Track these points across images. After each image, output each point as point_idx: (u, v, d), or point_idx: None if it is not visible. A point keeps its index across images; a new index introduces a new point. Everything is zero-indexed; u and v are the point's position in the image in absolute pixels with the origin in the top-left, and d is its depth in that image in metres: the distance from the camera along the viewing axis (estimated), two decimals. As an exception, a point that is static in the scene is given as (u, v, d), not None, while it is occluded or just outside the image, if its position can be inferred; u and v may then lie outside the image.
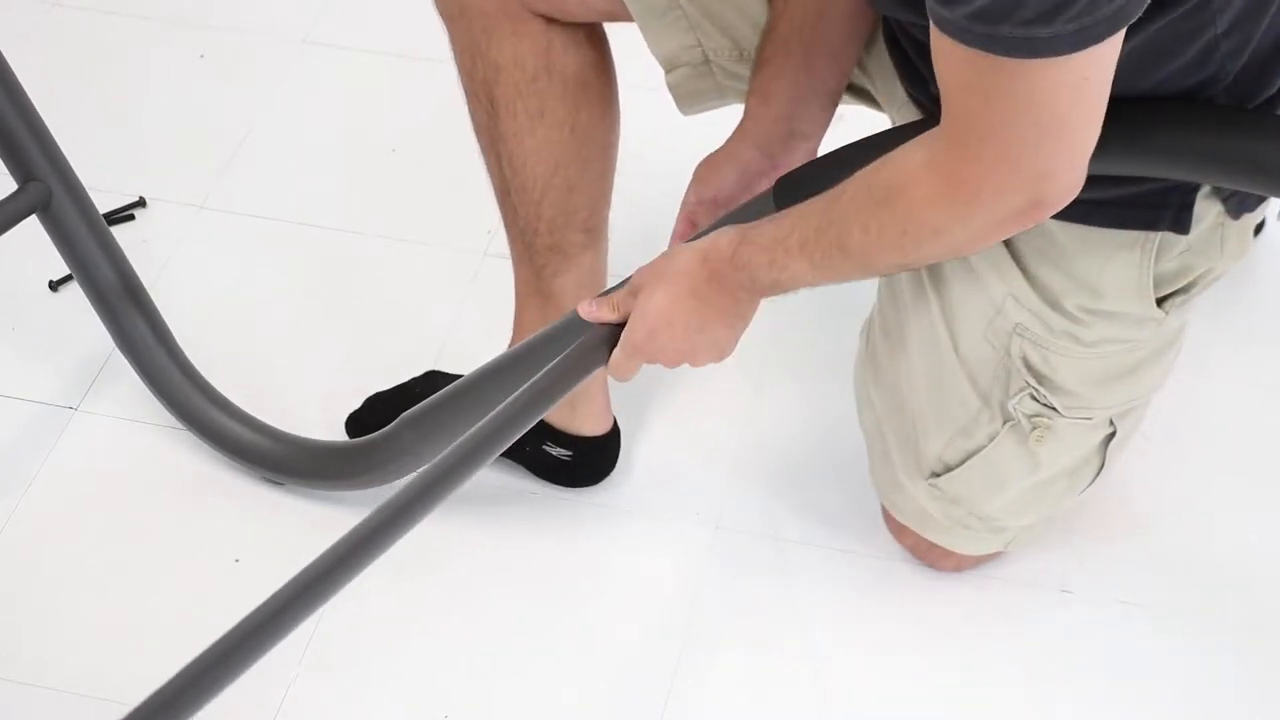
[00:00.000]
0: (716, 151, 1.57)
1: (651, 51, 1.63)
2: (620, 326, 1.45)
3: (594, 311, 1.46)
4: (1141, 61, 1.27)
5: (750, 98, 1.56)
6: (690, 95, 1.64)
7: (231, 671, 1.21)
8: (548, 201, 1.63)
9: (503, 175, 1.65)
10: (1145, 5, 1.14)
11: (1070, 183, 1.24)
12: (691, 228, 1.55)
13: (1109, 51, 1.15)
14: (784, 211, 1.39)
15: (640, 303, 1.43)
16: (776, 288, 1.39)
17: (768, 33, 1.56)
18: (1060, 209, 1.26)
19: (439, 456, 1.34)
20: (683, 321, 1.42)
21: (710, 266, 1.40)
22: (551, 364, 1.42)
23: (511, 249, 1.71)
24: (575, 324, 1.52)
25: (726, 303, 1.41)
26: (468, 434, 1.35)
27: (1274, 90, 1.36)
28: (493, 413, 1.37)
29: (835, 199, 1.33)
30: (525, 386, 1.39)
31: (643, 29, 1.60)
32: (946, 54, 1.19)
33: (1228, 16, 1.28)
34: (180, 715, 1.18)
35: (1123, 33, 1.15)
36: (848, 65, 1.56)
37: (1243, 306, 1.97)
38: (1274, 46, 1.33)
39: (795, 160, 1.53)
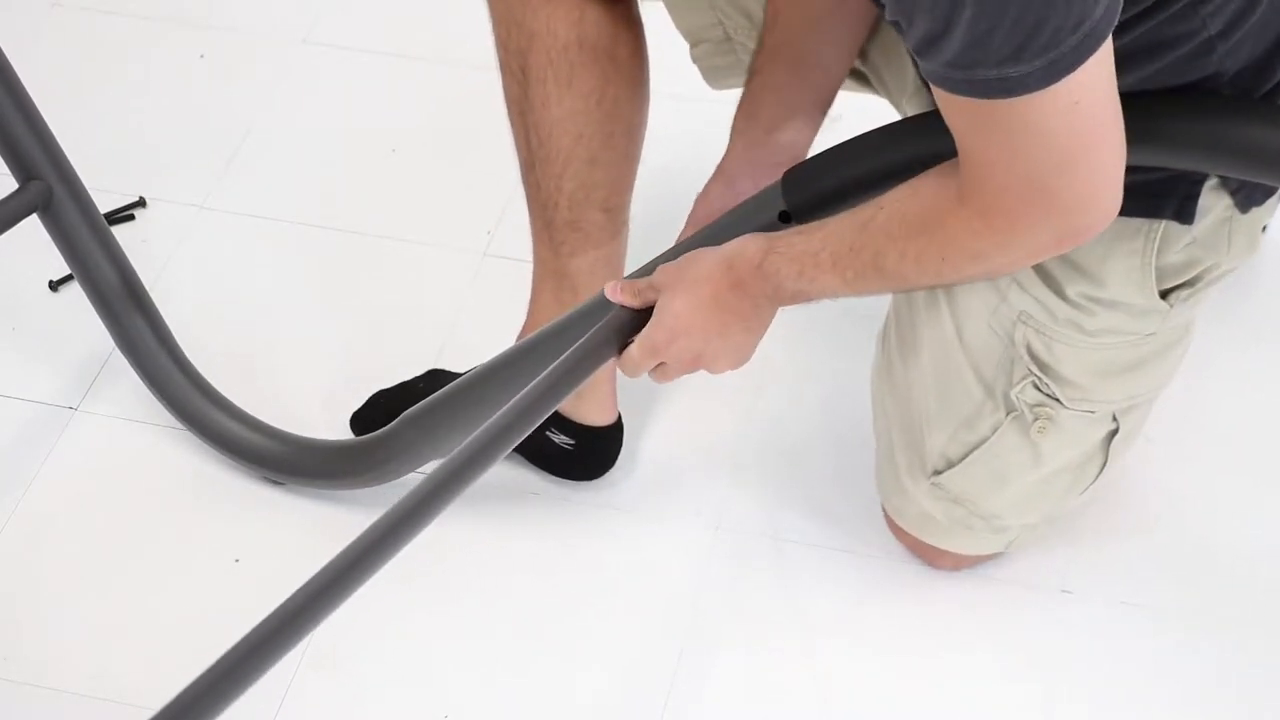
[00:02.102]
0: (712, 180, 1.59)
1: (676, 26, 1.67)
2: (632, 318, 1.45)
3: (617, 294, 1.46)
4: (1133, 60, 1.27)
5: (739, 109, 1.58)
6: (714, 70, 1.69)
7: (251, 674, 1.20)
8: (569, 173, 1.64)
9: (529, 146, 1.66)
10: (1113, 26, 1.15)
11: (1106, 207, 1.26)
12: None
13: (1093, 74, 1.16)
14: (813, 224, 1.40)
15: (662, 305, 1.43)
16: (800, 297, 1.40)
17: (759, 43, 1.57)
18: (1100, 231, 1.27)
19: (456, 450, 1.34)
20: (703, 326, 1.42)
21: (735, 274, 1.41)
22: (564, 355, 1.42)
23: (532, 226, 1.71)
24: (574, 321, 1.55)
25: (747, 309, 1.42)
26: (481, 429, 1.35)
27: (1276, 81, 1.36)
28: (506, 406, 1.37)
29: (867, 223, 1.35)
30: (538, 379, 1.39)
31: (667, 5, 1.65)
32: (944, 103, 1.22)
33: (1220, 20, 1.29)
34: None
35: (1105, 52, 1.16)
36: (839, 76, 1.57)
37: (1245, 307, 1.97)
38: (1274, 42, 1.33)
39: (784, 166, 1.53)
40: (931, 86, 1.22)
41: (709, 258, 1.42)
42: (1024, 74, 1.14)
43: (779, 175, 1.50)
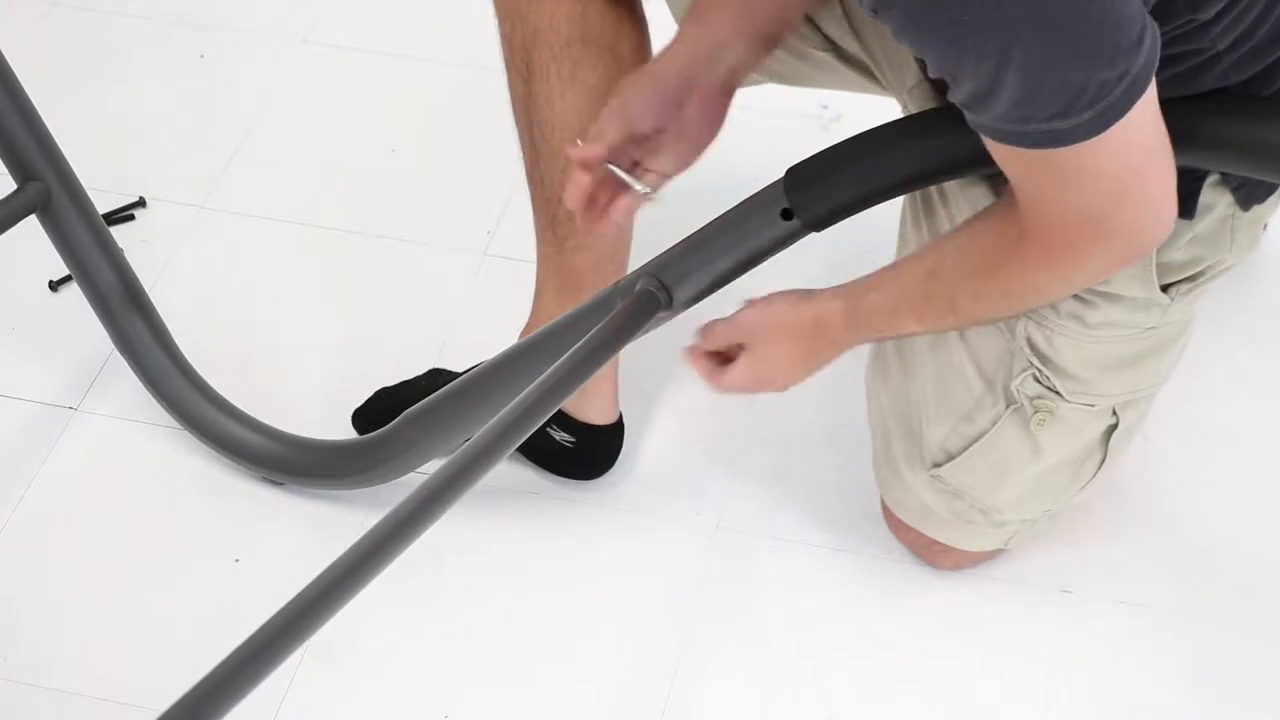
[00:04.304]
0: (639, 69, 1.52)
1: (674, 17, 1.65)
2: (634, 317, 1.47)
3: (705, 336, 1.52)
4: None
5: (685, 19, 1.53)
6: None
7: (255, 676, 1.19)
8: (572, 169, 1.64)
9: (533, 142, 1.65)
10: (1155, 68, 1.17)
11: (1163, 224, 1.30)
12: (599, 138, 1.49)
13: (1140, 114, 1.18)
14: (881, 278, 1.44)
15: (757, 355, 1.49)
16: (883, 339, 1.54)
17: None
18: (1162, 243, 1.33)
19: (462, 448, 1.34)
20: (789, 372, 1.51)
21: (827, 334, 1.47)
22: (568, 353, 1.43)
23: (535, 223, 1.71)
24: (577, 319, 1.54)
25: (834, 355, 1.50)
26: (486, 426, 1.35)
27: (1276, 87, 1.36)
28: (510, 404, 1.37)
29: (935, 271, 1.40)
30: (542, 377, 1.40)
31: (668, 0, 1.64)
32: (995, 150, 1.24)
33: (1229, 37, 1.30)
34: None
35: (1151, 93, 1.18)
36: (791, 14, 1.54)
37: (1244, 307, 1.97)
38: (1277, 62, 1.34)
39: (713, 88, 1.48)
40: (981, 135, 1.24)
41: (795, 315, 1.48)
42: (1074, 126, 1.17)
43: (709, 76, 1.47)
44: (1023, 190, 1.28)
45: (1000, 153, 1.24)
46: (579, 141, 1.49)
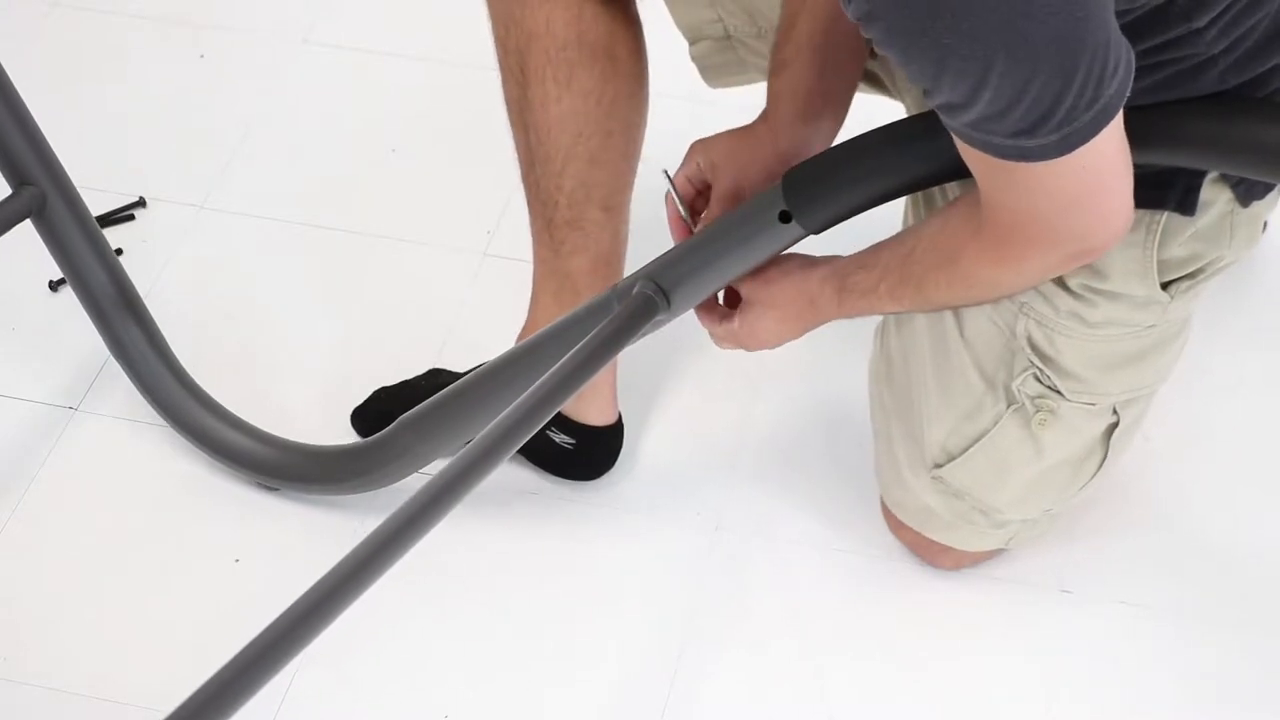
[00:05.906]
0: (738, 144, 1.55)
1: (675, 23, 1.67)
2: (632, 318, 1.49)
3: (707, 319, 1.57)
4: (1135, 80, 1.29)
5: (772, 101, 1.56)
6: (714, 68, 1.70)
7: (259, 679, 1.19)
8: (569, 172, 1.65)
9: (528, 146, 1.66)
10: (1125, 98, 1.19)
11: (1115, 231, 1.33)
12: (693, 203, 1.57)
13: (1104, 140, 1.21)
14: (869, 260, 1.48)
15: (752, 317, 1.53)
16: (871, 314, 1.54)
17: (785, 34, 1.55)
18: (1111, 249, 1.36)
19: (464, 449, 1.34)
20: (780, 337, 1.56)
21: (819, 309, 1.52)
22: (567, 355, 1.43)
23: (532, 226, 1.72)
24: (575, 322, 1.55)
25: (824, 321, 1.54)
26: (489, 427, 1.35)
27: (1271, 89, 1.36)
28: (511, 405, 1.38)
29: (907, 256, 1.44)
30: (543, 378, 1.40)
31: (667, 2, 1.65)
32: (962, 148, 1.27)
33: (1223, 41, 1.30)
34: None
35: (1117, 121, 1.21)
36: (863, 58, 1.57)
37: (1243, 307, 1.97)
38: (1276, 60, 1.34)
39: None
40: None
41: (793, 296, 1.52)
42: (1039, 145, 1.19)
43: (810, 150, 1.52)
44: (983, 188, 1.32)
45: (967, 152, 1.27)
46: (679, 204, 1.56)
